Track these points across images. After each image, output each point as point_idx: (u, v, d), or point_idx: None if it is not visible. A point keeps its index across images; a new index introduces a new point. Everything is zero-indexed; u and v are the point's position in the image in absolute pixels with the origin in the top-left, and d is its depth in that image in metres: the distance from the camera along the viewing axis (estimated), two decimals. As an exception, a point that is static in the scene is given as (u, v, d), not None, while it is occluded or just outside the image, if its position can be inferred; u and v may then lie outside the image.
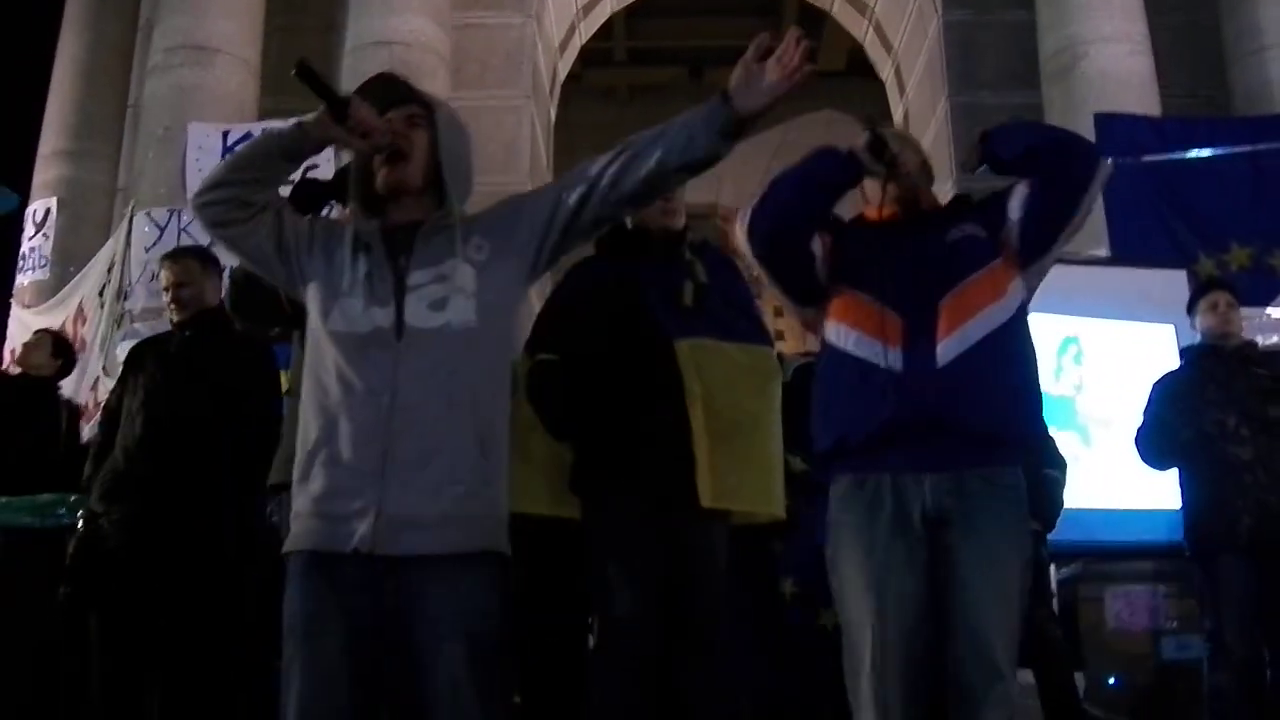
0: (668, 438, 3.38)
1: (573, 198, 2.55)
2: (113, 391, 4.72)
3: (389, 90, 2.68)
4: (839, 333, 2.90)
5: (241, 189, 2.52)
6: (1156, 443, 4.80)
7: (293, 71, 2.47)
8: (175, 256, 4.75)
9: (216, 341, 4.50)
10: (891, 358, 2.76)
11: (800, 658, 4.26)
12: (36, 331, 6.67)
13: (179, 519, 4.22)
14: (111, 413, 4.59)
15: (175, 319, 4.56)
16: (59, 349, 6.05)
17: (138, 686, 4.25)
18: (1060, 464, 5.07)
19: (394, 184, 2.55)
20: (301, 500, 2.42)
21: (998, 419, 2.77)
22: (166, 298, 4.58)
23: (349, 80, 8.49)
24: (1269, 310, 6.75)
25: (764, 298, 3.95)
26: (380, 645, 2.37)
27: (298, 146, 2.57)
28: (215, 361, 4.43)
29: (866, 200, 3.10)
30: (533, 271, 2.59)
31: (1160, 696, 5.80)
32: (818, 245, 2.97)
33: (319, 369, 2.49)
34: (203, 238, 7.71)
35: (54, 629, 4.70)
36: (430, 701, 2.33)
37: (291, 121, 2.59)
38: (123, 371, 4.70)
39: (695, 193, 7.70)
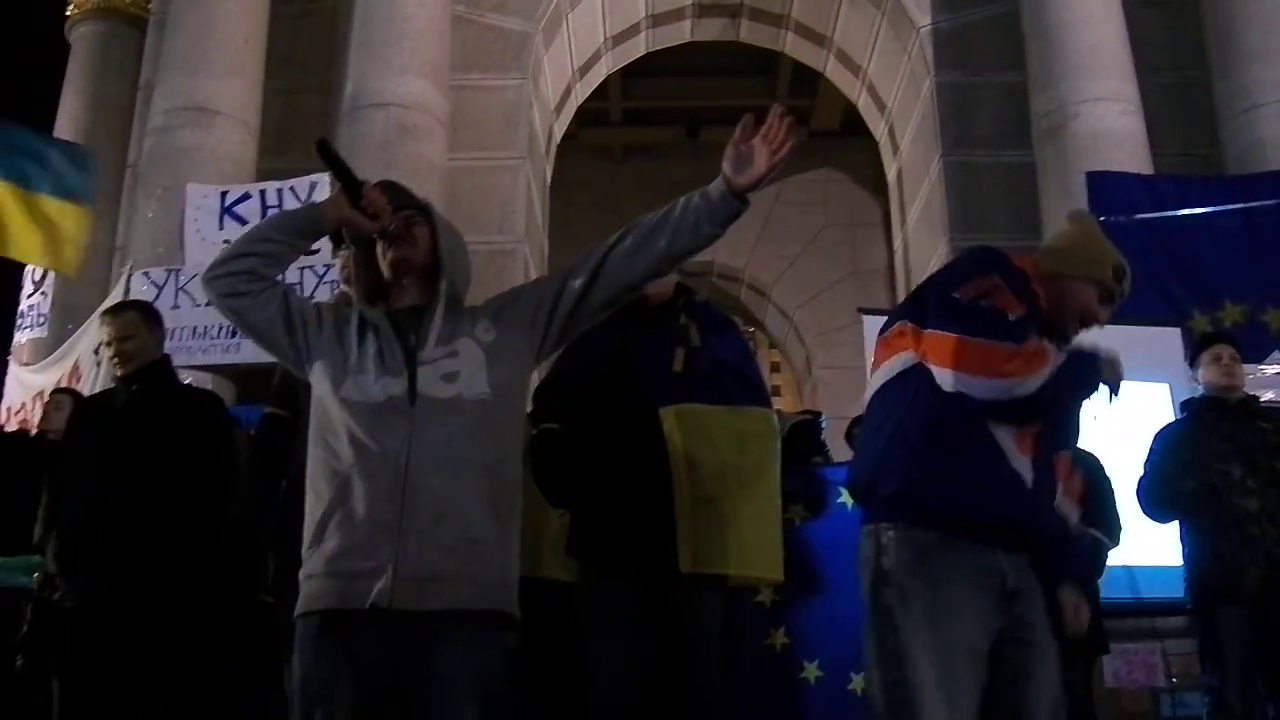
0: (652, 505, 3.40)
1: (578, 282, 2.67)
2: (58, 450, 4.68)
3: (391, 193, 2.79)
4: (996, 424, 2.85)
5: (257, 261, 2.65)
6: (1158, 494, 4.79)
7: (315, 148, 2.66)
8: (117, 311, 4.77)
9: (163, 395, 4.51)
10: (1025, 470, 2.84)
11: (785, 709, 4.23)
12: (56, 393, 6.66)
13: (135, 578, 4.18)
14: (60, 471, 4.55)
15: (119, 374, 4.53)
16: None
17: None
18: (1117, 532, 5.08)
19: (401, 261, 2.69)
20: (315, 561, 2.47)
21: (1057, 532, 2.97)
22: (109, 352, 4.57)
23: (348, 142, 8.56)
24: (1263, 367, 6.77)
25: (762, 352, 3.97)
26: (391, 703, 2.41)
27: (314, 226, 2.73)
28: (163, 415, 4.43)
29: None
30: (539, 352, 2.72)
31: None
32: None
33: (327, 434, 2.56)
34: (201, 297, 7.80)
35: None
36: None
37: (305, 205, 2.71)
38: (69, 428, 4.68)
39: (691, 251, 7.72)
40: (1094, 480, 4.68)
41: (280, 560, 3.76)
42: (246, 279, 2.63)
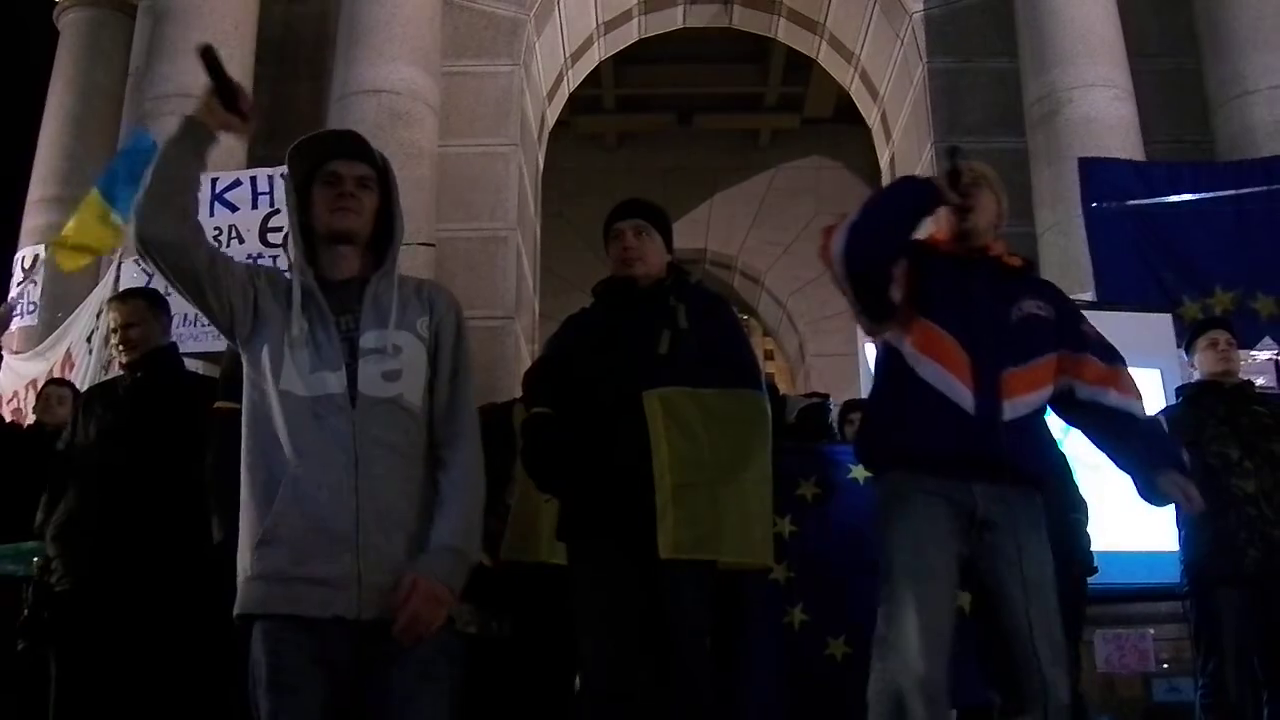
0: (634, 490, 3.40)
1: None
2: (63, 438, 4.68)
3: (341, 140, 2.73)
4: (917, 359, 3.25)
5: (178, 196, 2.52)
6: None
7: (198, 50, 2.58)
8: (124, 298, 4.77)
9: (167, 382, 4.49)
10: (965, 399, 3.16)
11: (811, 687, 4.22)
12: (53, 384, 6.62)
13: (135, 562, 4.17)
14: (63, 457, 4.54)
15: (125, 360, 4.53)
16: None
17: None
18: (1083, 507, 5.03)
19: (343, 231, 2.59)
20: (268, 563, 2.41)
21: (1041, 467, 3.28)
22: (115, 339, 4.56)
23: (336, 127, 8.51)
24: (1253, 353, 6.78)
25: (756, 339, 3.99)
26: (359, 696, 2.41)
27: (200, 136, 2.61)
28: (167, 402, 4.41)
29: (938, 226, 3.45)
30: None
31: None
32: (896, 268, 3.29)
33: (263, 423, 2.49)
34: (191, 284, 7.77)
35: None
36: None
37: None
38: (73, 416, 4.67)
39: (683, 237, 7.72)
40: (1063, 477, 4.65)
41: None
42: (177, 219, 2.50)
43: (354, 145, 2.69)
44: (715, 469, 3.52)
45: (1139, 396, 3.41)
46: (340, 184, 2.61)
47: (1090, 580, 5.16)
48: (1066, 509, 4.65)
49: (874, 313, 3.36)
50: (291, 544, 2.40)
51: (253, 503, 2.47)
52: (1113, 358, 3.42)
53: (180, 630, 4.17)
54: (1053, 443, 3.36)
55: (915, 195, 3.38)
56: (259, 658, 2.41)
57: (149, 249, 2.50)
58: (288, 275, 2.68)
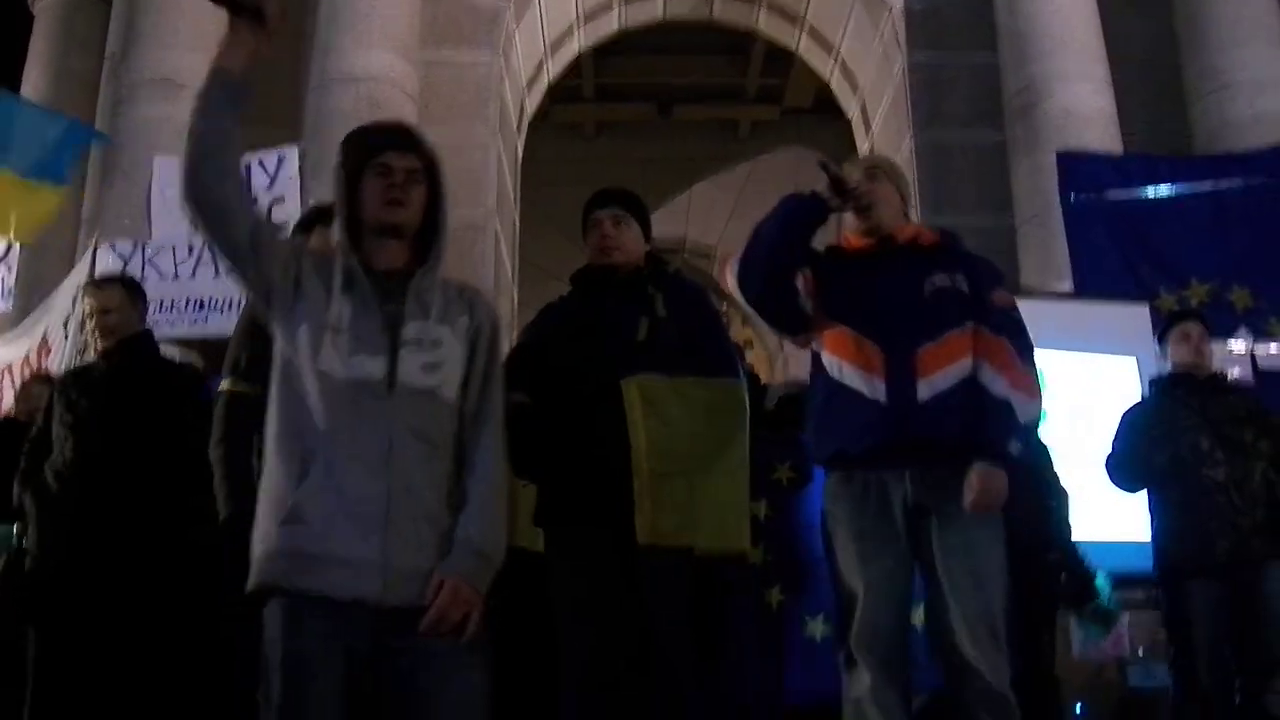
0: (612, 477, 3.40)
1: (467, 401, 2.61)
2: (36, 421, 4.64)
3: (393, 132, 2.74)
4: (830, 363, 3.33)
5: (207, 159, 2.52)
6: (1130, 467, 4.82)
7: None
8: (100, 284, 4.75)
9: (144, 369, 4.48)
10: (877, 389, 3.19)
11: (792, 666, 4.24)
12: (34, 383, 6.55)
13: (113, 547, 4.16)
14: (36, 443, 4.50)
15: (101, 347, 4.51)
16: None
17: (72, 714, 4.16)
18: (1061, 495, 5.02)
19: (393, 224, 2.60)
20: (293, 539, 2.39)
21: (967, 437, 3.18)
22: (91, 325, 4.53)
23: (316, 116, 8.49)
24: (1228, 344, 6.83)
25: (735, 328, 4.02)
26: (379, 684, 2.39)
27: (232, 83, 2.60)
28: (144, 388, 4.40)
29: (848, 229, 3.52)
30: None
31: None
32: (800, 280, 3.36)
33: (295, 401, 2.48)
34: (168, 270, 7.74)
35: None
36: None
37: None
38: (48, 402, 4.63)
39: (663, 226, 7.72)
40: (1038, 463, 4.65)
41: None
42: (216, 179, 2.50)
43: (406, 137, 2.70)
44: (693, 457, 3.52)
45: (1012, 376, 3.24)
46: (391, 176, 2.61)
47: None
48: (1043, 495, 4.65)
49: (789, 328, 3.49)
50: (319, 523, 2.38)
51: (281, 479, 2.44)
52: (1002, 327, 3.31)
53: (160, 615, 4.16)
54: (987, 412, 3.23)
55: (797, 211, 3.43)
56: (274, 637, 2.38)
57: (195, 209, 2.51)
58: None
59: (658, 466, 3.44)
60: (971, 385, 3.22)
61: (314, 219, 4.07)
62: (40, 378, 6.60)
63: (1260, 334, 7.14)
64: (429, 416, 2.51)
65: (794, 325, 3.46)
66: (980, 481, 3.13)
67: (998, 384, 3.22)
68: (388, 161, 2.62)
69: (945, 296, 3.29)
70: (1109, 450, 4.91)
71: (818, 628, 4.22)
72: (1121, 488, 4.93)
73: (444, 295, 2.62)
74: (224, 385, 3.86)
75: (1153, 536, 4.86)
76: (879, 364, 3.20)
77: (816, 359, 3.43)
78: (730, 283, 3.40)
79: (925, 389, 3.18)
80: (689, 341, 3.63)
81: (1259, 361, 7.05)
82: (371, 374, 2.47)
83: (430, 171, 2.67)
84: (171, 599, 4.19)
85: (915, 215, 8.93)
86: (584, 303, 3.71)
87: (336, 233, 2.65)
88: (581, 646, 3.38)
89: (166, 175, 8.15)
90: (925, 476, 3.19)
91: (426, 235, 2.66)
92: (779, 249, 3.35)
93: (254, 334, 3.80)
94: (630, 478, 3.40)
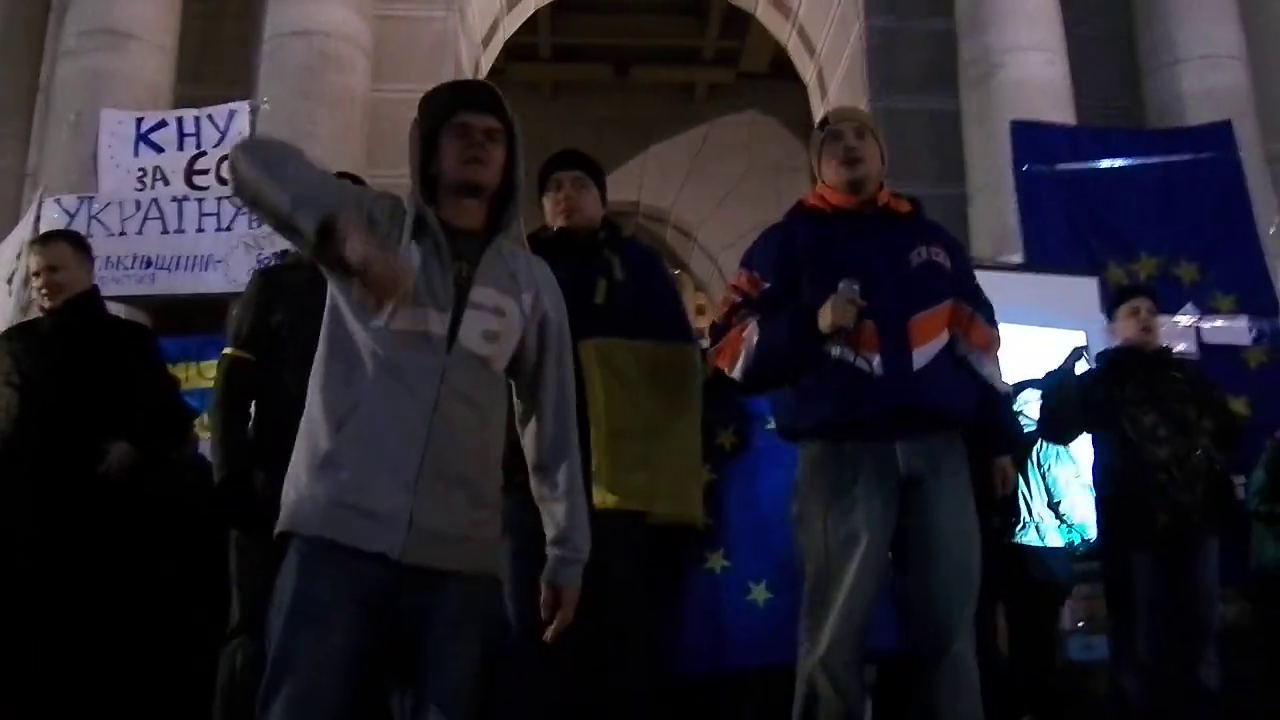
0: None
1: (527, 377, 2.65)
2: None
3: (473, 91, 2.70)
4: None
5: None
6: (1062, 414, 4.82)
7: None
8: (46, 240, 4.67)
9: (92, 326, 4.43)
10: (873, 362, 3.16)
11: (735, 630, 4.26)
12: None
13: (69, 504, 4.11)
14: None
15: (47, 305, 4.43)
16: None
17: (25, 674, 4.11)
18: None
19: (474, 183, 2.56)
20: (323, 486, 2.37)
21: (957, 406, 3.26)
22: (38, 283, 4.45)
23: (269, 70, 8.37)
24: (1176, 318, 6.91)
25: (688, 294, 4.00)
26: (389, 640, 2.38)
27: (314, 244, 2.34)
28: (90, 344, 4.35)
29: (826, 177, 3.45)
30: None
31: (1067, 696, 5.88)
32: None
33: (348, 351, 2.44)
34: (115, 225, 7.62)
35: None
36: (436, 697, 2.38)
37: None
38: None
39: (617, 191, 7.67)
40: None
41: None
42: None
43: (486, 97, 2.65)
44: (650, 419, 3.54)
45: (1000, 369, 3.46)
46: (470, 134, 2.56)
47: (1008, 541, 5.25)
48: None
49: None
50: (351, 471, 2.35)
51: (321, 425, 2.40)
52: (992, 321, 3.44)
53: (118, 570, 4.14)
54: (970, 385, 3.34)
55: (802, 341, 3.26)
56: (286, 582, 2.35)
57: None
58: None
59: (615, 428, 3.44)
60: (947, 356, 3.27)
61: None
62: None
63: (1206, 308, 7.22)
64: (479, 383, 2.48)
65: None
66: (1009, 473, 3.44)
67: (1000, 380, 3.43)
68: (466, 121, 2.58)
69: (933, 270, 3.31)
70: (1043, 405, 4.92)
71: (761, 594, 4.23)
72: (1053, 438, 5.03)
73: (515, 265, 2.60)
74: (226, 351, 3.93)
75: (1096, 507, 4.92)
76: (872, 337, 3.17)
77: None
78: (727, 369, 3.32)
79: (919, 357, 3.19)
80: (645, 305, 3.64)
81: (1204, 335, 7.15)
82: (433, 328, 2.43)
83: (509, 134, 2.63)
84: (129, 553, 4.17)
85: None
86: None
87: (409, 193, 2.59)
88: (518, 601, 3.35)
89: (114, 129, 8.02)
90: (916, 445, 3.18)
91: (503, 197, 2.62)
92: (789, 368, 3.30)
93: (259, 305, 3.88)
94: (583, 441, 3.38)
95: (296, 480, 2.41)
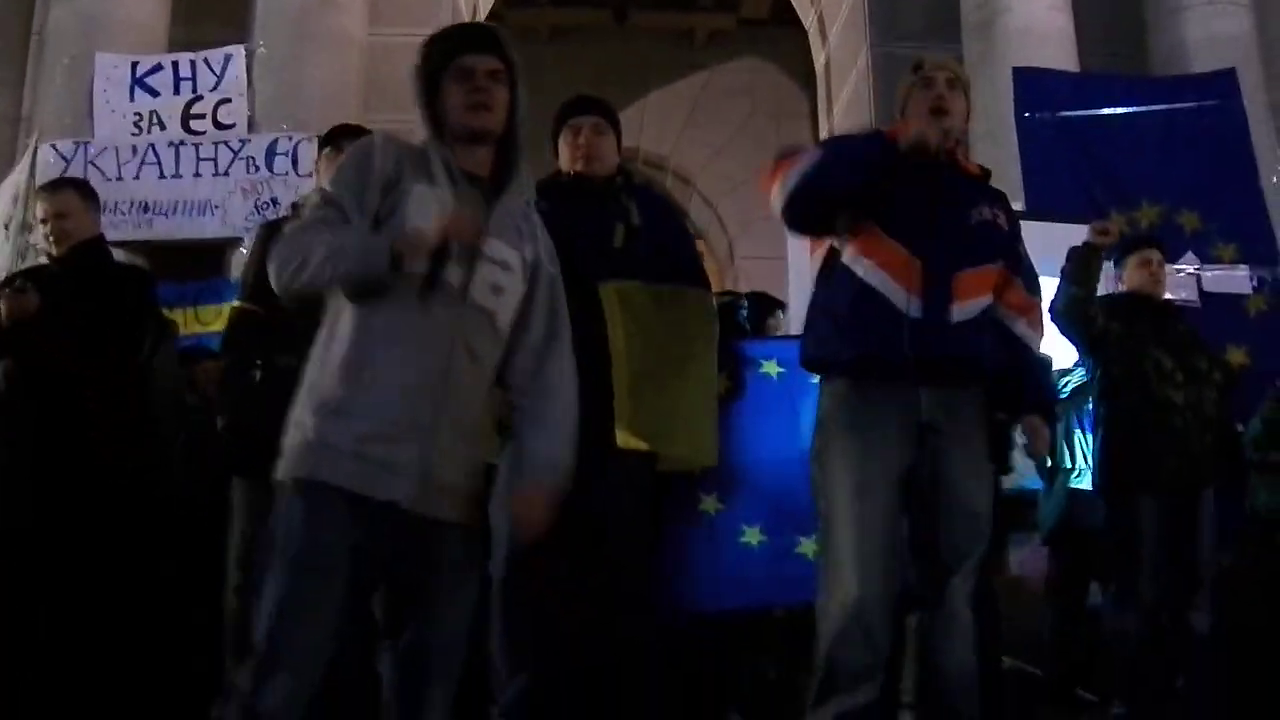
0: (590, 380, 3.38)
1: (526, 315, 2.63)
2: None
3: (472, 33, 2.70)
4: (864, 266, 3.23)
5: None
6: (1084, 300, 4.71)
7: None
8: (53, 189, 4.64)
9: (101, 272, 4.42)
10: (913, 306, 3.16)
11: (729, 572, 4.29)
12: None
13: (75, 450, 4.11)
14: None
15: (54, 253, 4.42)
16: None
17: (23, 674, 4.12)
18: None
19: (480, 130, 2.53)
20: (336, 433, 2.36)
21: (987, 362, 3.27)
22: (45, 229, 4.44)
23: (265, 12, 8.30)
24: (1177, 267, 6.89)
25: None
26: (390, 588, 2.45)
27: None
28: (101, 291, 4.33)
29: (907, 121, 3.39)
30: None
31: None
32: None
33: (364, 293, 2.42)
34: (111, 170, 7.58)
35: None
36: (436, 641, 2.44)
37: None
38: None
39: (616, 137, 7.58)
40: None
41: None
42: None
43: (486, 37, 2.61)
44: (670, 361, 3.57)
45: (1041, 333, 3.49)
46: (474, 78, 2.52)
47: (1006, 486, 5.25)
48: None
49: (811, 233, 3.54)
50: (364, 419, 2.35)
51: (332, 371, 2.40)
52: (1034, 288, 3.48)
53: (121, 572, 4.14)
54: (1000, 346, 3.36)
55: (876, 156, 3.27)
56: (290, 527, 2.34)
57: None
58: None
59: (638, 367, 3.46)
60: (987, 317, 3.30)
61: (329, 140, 4.11)
62: None
63: (1207, 257, 7.20)
64: (485, 339, 2.49)
65: (818, 232, 3.45)
66: (1040, 432, 3.37)
67: (1036, 342, 3.45)
68: (468, 64, 2.54)
69: (989, 230, 3.32)
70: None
71: (755, 535, 4.26)
72: (1064, 324, 4.79)
73: (516, 216, 2.60)
74: (235, 302, 4.02)
75: (1098, 449, 4.88)
76: (917, 278, 3.17)
77: (833, 262, 3.35)
78: (778, 194, 3.24)
79: (958, 311, 3.19)
80: (661, 251, 3.65)
81: (1204, 284, 7.12)
82: (451, 279, 2.42)
83: (511, 73, 2.58)
84: (128, 551, 4.17)
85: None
86: (557, 210, 3.66)
87: (422, 136, 2.58)
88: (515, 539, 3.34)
89: (109, 73, 7.97)
90: (941, 395, 3.19)
91: (510, 141, 2.60)
92: (844, 189, 3.25)
93: (262, 258, 3.85)
94: (604, 382, 3.39)
95: (302, 425, 2.40)
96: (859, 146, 3.35)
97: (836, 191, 3.24)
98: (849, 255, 3.27)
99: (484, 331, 2.49)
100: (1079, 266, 4.66)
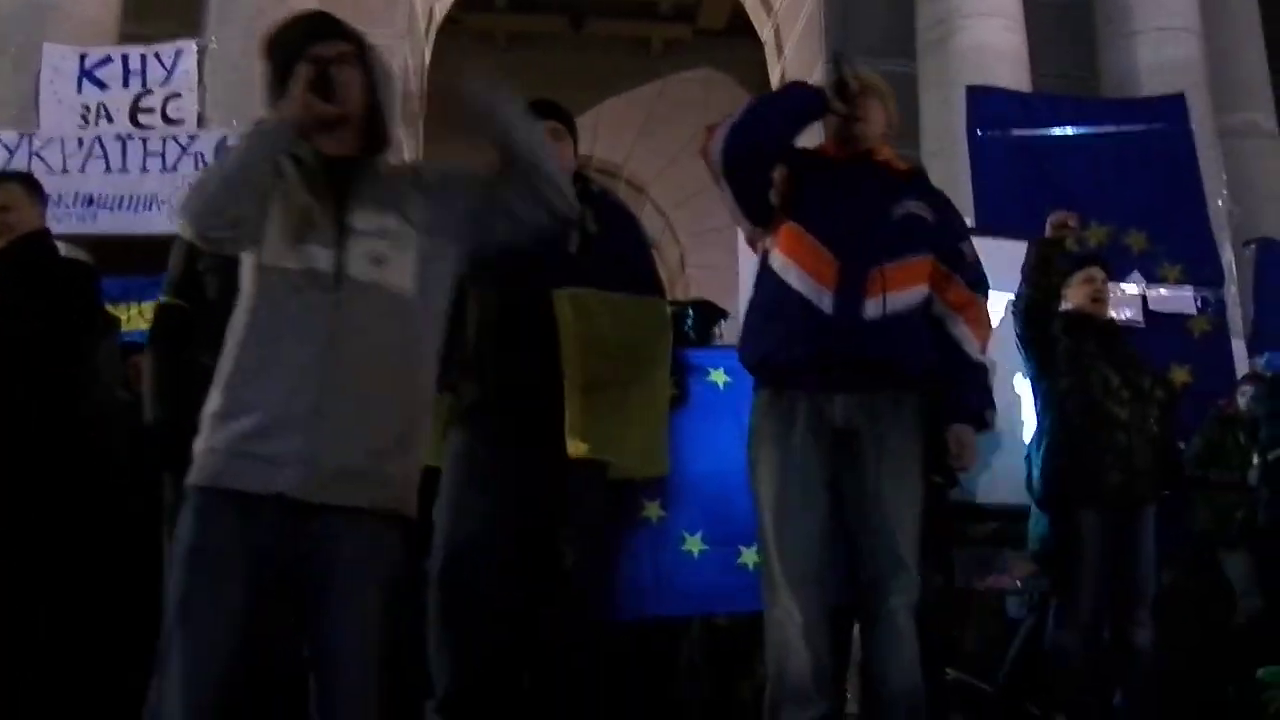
0: (542, 387, 3.36)
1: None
2: None
3: (316, 24, 2.61)
4: (781, 263, 3.23)
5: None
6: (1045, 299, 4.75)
7: None
8: None
9: (43, 266, 4.35)
10: (824, 300, 3.12)
11: (672, 579, 4.28)
12: None
13: (15, 443, 4.03)
14: None
15: None
16: None
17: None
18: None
19: (334, 115, 2.48)
20: (222, 436, 2.34)
21: (913, 367, 3.20)
22: None
23: (220, 8, 8.21)
24: (1123, 286, 6.97)
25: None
26: (287, 585, 2.36)
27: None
28: (44, 285, 4.25)
29: (826, 134, 3.43)
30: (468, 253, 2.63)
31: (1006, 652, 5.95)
32: (775, 172, 3.28)
33: (248, 292, 2.44)
34: (56, 163, 7.47)
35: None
36: (337, 643, 2.36)
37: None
38: None
39: (571, 143, 7.54)
40: None
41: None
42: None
43: (327, 24, 2.58)
44: (623, 369, 3.54)
45: (982, 335, 3.37)
46: (319, 64, 2.49)
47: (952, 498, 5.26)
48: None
49: (754, 215, 3.35)
50: (244, 419, 2.33)
51: (222, 375, 2.40)
52: (977, 285, 3.40)
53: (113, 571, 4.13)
54: (927, 345, 3.28)
55: (800, 100, 3.39)
56: (183, 534, 2.33)
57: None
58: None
59: (591, 376, 3.43)
60: (919, 315, 3.24)
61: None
62: None
63: (1153, 277, 7.30)
64: (380, 314, 2.43)
65: (758, 212, 3.33)
66: (964, 443, 3.26)
67: (971, 344, 3.32)
68: (315, 52, 2.50)
69: (913, 223, 3.26)
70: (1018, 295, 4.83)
71: (696, 544, 4.26)
72: (1022, 329, 4.84)
73: (390, 181, 2.55)
74: (160, 299, 3.95)
75: (1041, 462, 4.88)
76: (831, 274, 3.12)
77: (764, 263, 3.34)
78: (712, 148, 3.24)
79: (873, 308, 3.12)
80: (619, 259, 3.63)
81: (1150, 303, 7.22)
82: (319, 265, 2.40)
83: (362, 54, 2.56)
84: (74, 490, 4.11)
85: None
86: None
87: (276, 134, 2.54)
88: (459, 538, 3.32)
89: (57, 64, 7.85)
90: (859, 399, 3.13)
91: (373, 118, 2.57)
92: (775, 134, 3.26)
93: (186, 252, 3.82)
94: (555, 389, 3.37)
95: (200, 435, 2.40)
96: (790, 96, 3.41)
97: (769, 140, 3.24)
98: (772, 254, 3.27)
99: (376, 306, 2.43)
100: (1038, 262, 4.69)
